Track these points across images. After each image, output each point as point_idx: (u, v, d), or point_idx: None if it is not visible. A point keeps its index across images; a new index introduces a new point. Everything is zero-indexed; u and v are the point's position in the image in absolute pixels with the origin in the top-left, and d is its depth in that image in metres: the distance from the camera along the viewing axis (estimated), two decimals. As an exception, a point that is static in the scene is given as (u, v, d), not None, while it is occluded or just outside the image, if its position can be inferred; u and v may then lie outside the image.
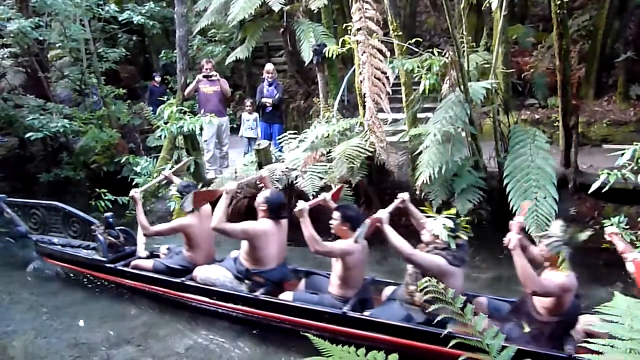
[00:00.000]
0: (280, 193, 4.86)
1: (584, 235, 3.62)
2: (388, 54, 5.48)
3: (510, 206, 5.37)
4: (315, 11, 8.76)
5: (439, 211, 4.06)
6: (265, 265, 4.42)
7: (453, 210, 3.92)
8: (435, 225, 3.70)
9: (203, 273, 4.62)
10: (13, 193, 8.25)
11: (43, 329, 4.51)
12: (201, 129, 7.71)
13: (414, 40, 5.80)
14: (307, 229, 3.87)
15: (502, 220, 5.92)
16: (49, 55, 11.60)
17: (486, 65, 6.50)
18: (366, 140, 6.15)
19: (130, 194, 5.10)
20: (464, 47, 5.81)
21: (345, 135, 6.72)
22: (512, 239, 3.42)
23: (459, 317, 2.24)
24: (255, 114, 8.83)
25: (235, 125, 9.85)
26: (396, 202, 4.19)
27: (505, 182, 5.59)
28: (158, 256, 5.22)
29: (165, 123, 7.26)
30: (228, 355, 4.06)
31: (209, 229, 4.43)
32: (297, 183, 6.25)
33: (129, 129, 10.71)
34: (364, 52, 5.45)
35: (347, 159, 6.03)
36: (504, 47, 6.28)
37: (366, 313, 3.94)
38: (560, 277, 3.36)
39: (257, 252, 4.37)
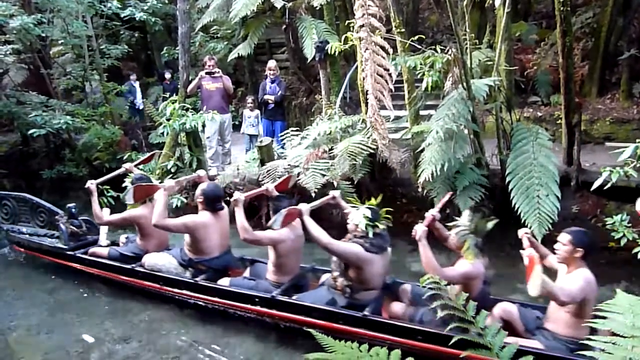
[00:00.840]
0: (217, 186, 5.03)
1: (490, 225, 3.78)
2: (391, 51, 5.47)
3: (513, 204, 5.37)
4: (317, 8, 8.75)
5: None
6: (207, 255, 4.67)
7: (374, 201, 4.07)
8: (355, 215, 3.89)
9: (150, 260, 4.91)
10: (16, 189, 8.27)
11: (47, 324, 4.53)
12: (203, 125, 7.72)
13: (416, 37, 5.78)
14: (239, 217, 4.06)
15: (504, 218, 5.94)
16: (51, 52, 11.61)
17: (489, 63, 6.49)
18: (368, 138, 6.15)
19: (86, 185, 5.27)
20: (466, 44, 5.80)
21: (347, 133, 6.72)
22: (418, 230, 3.64)
23: (458, 313, 2.25)
24: (257, 111, 8.84)
25: (237, 122, 9.86)
26: (326, 198, 4.37)
27: (507, 179, 5.59)
28: (118, 244, 5.48)
29: (168, 120, 7.27)
30: (231, 352, 4.07)
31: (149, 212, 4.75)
32: (299, 180, 6.25)
33: (131, 125, 10.73)
34: (367, 49, 5.44)
35: (349, 156, 6.03)
36: (507, 44, 6.28)
37: (294, 297, 4.18)
38: (465, 265, 3.57)
39: (199, 243, 4.61)
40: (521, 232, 3.79)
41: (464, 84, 5.52)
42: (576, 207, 6.11)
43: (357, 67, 6.96)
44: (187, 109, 7.39)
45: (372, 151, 6.15)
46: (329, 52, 6.64)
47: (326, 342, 1.96)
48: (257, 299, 4.23)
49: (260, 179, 6.57)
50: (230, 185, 7.23)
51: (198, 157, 7.47)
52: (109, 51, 11.05)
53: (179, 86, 9.60)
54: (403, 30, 6.23)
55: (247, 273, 4.82)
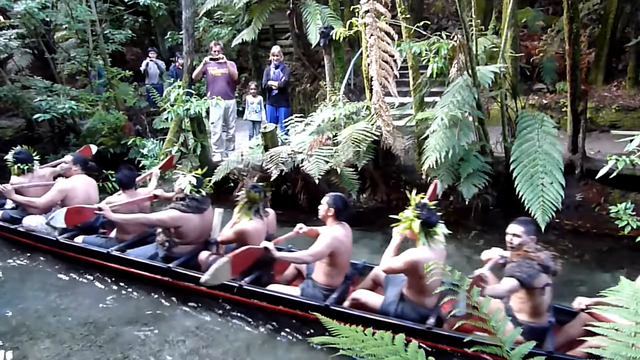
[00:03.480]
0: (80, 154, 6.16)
1: (260, 195, 4.54)
2: (396, 37, 5.43)
3: (517, 191, 5.38)
4: (322, -7, 8.68)
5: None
6: None
7: (200, 171, 4.99)
8: (182, 181, 4.76)
9: (26, 221, 5.72)
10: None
11: (53, 308, 4.59)
12: (207, 111, 7.71)
13: (421, 23, 5.74)
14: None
15: (507, 205, 5.96)
16: (55, 37, 11.56)
17: (494, 49, 6.44)
18: (372, 124, 6.13)
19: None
20: (472, 30, 5.76)
21: (351, 119, 6.70)
22: None
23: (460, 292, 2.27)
24: (260, 97, 8.81)
25: (241, 109, 9.84)
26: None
27: (511, 167, 5.58)
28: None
29: (172, 105, 7.27)
30: (235, 336, 4.12)
31: (41, 188, 5.76)
32: (303, 166, 6.26)
33: (135, 111, 10.72)
34: (372, 34, 5.40)
35: (353, 143, 6.02)
36: (513, 30, 6.22)
37: (127, 252, 5.02)
38: (241, 224, 4.43)
39: (68, 202, 5.40)
40: (297, 227, 4.50)
41: (469, 70, 5.49)
42: (580, 195, 6.11)
43: (361, 53, 6.93)
44: (191, 95, 7.38)
45: (376, 138, 6.13)
46: (334, 37, 6.60)
47: (331, 325, 1.99)
48: (97, 254, 5.10)
49: (264, 165, 6.58)
50: (234, 172, 7.25)
51: (202, 142, 7.46)
52: (113, 36, 10.99)
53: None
54: (408, 16, 6.18)
55: (114, 233, 5.46)
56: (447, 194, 6.11)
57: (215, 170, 7.00)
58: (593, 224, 5.98)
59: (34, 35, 10.22)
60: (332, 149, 6.30)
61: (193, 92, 7.63)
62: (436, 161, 5.48)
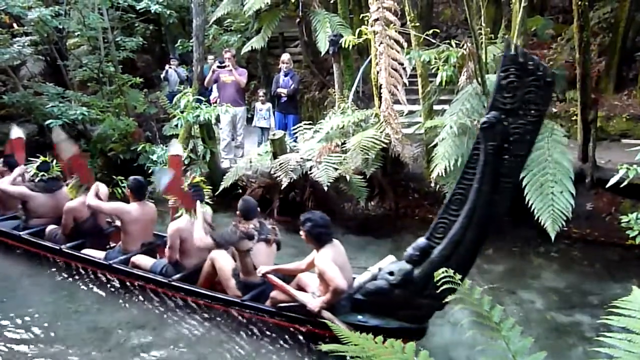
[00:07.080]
0: None
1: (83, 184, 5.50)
2: (405, 45, 5.45)
3: (526, 200, 5.34)
4: (331, 1, 8.74)
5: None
6: None
7: (46, 158, 5.89)
8: (31, 166, 5.85)
9: None
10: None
11: (62, 312, 4.61)
12: (217, 118, 7.76)
13: (431, 31, 5.76)
14: None
15: (516, 214, 5.91)
16: (67, 44, 11.71)
17: (504, 58, 6.43)
18: (381, 132, 6.14)
19: None
20: (481, 38, 5.76)
21: (360, 127, 6.71)
22: None
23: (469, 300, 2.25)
24: (269, 104, 8.85)
25: (250, 115, 9.88)
26: None
27: (521, 175, 5.55)
28: None
29: (182, 112, 7.32)
30: (241, 343, 4.11)
31: None
32: (312, 173, 6.27)
33: (145, 117, 10.79)
34: (381, 42, 5.43)
35: (361, 150, 6.03)
36: (523, 39, 6.21)
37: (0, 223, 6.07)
38: (69, 203, 5.41)
39: None
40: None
41: (479, 78, 5.50)
42: (590, 205, 6.07)
43: (370, 61, 6.95)
44: (201, 101, 7.43)
45: (384, 145, 6.14)
46: (343, 45, 6.64)
47: (341, 333, 1.98)
48: None
49: (272, 172, 6.60)
50: (242, 178, 7.28)
51: (211, 149, 7.51)
52: (124, 43, 11.11)
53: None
54: (417, 24, 6.20)
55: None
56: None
57: (224, 177, 7.03)
58: (603, 233, 5.94)
59: (47, 42, 10.35)
60: (340, 156, 6.31)
61: (203, 99, 7.69)
62: (445, 169, 5.46)
